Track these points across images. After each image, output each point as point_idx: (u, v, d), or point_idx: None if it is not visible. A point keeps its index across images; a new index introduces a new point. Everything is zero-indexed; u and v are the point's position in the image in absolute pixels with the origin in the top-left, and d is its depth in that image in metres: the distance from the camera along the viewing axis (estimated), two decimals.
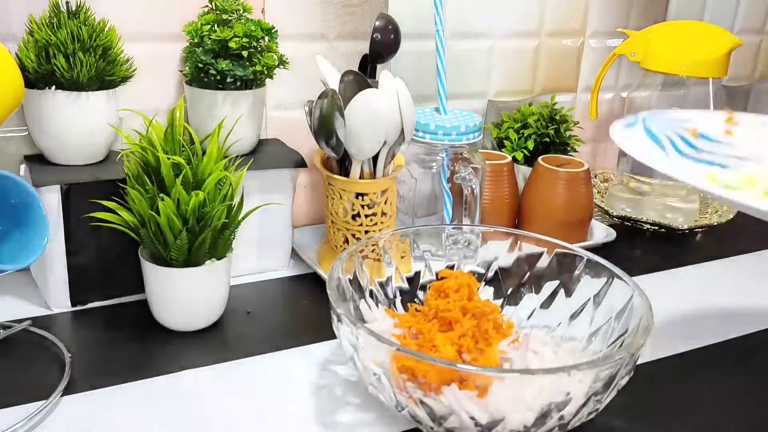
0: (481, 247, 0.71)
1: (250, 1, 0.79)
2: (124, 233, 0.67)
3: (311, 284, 0.81)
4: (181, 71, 0.82)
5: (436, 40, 0.83)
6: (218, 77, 0.75)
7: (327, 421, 0.58)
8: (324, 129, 0.72)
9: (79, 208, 0.69)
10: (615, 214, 1.01)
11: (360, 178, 0.76)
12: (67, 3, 0.70)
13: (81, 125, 0.71)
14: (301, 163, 0.81)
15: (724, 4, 1.25)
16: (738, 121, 0.66)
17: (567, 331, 0.64)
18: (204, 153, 0.68)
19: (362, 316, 0.63)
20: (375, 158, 0.76)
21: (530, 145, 1.01)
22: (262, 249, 0.83)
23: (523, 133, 1.02)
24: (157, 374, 0.63)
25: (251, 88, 0.78)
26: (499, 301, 0.69)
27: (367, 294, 0.66)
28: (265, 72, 0.77)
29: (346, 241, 0.78)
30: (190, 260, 0.67)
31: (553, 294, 0.67)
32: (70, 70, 0.69)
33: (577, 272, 0.65)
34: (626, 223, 1.01)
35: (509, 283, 0.66)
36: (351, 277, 0.64)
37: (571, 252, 0.66)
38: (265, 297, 0.79)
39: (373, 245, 0.67)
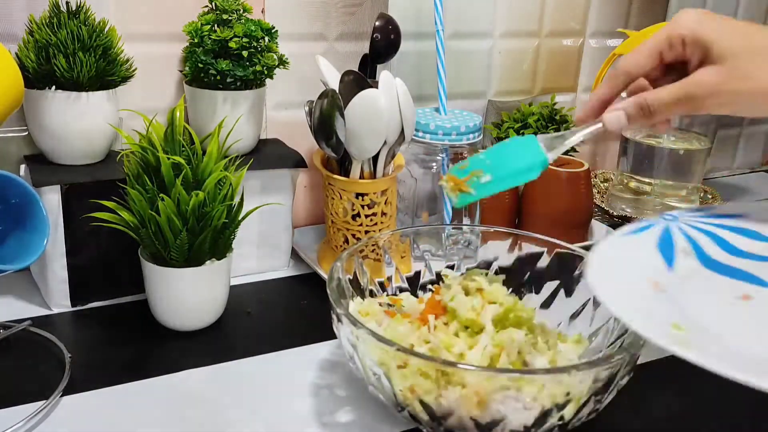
0: (481, 247, 0.71)
1: (250, 1, 0.79)
2: (124, 233, 0.67)
3: (311, 284, 0.81)
4: (181, 71, 0.82)
5: (436, 40, 0.84)
6: (218, 77, 0.75)
7: (327, 421, 0.58)
8: (324, 129, 0.72)
9: (79, 208, 0.69)
10: (615, 214, 1.01)
11: (360, 178, 0.76)
12: (67, 3, 0.70)
13: (81, 125, 0.71)
14: (301, 163, 0.81)
15: (724, 4, 1.25)
16: None
17: (567, 331, 0.64)
18: (204, 153, 0.68)
19: None
20: (375, 158, 0.76)
21: None
22: (262, 249, 0.83)
23: (523, 133, 1.02)
24: (157, 374, 0.63)
25: (251, 88, 0.78)
26: None
27: (367, 294, 0.66)
28: (265, 72, 0.77)
29: (346, 241, 0.78)
30: (190, 260, 0.67)
31: (553, 294, 0.67)
32: (70, 70, 0.69)
33: (577, 272, 0.65)
34: (626, 223, 1.01)
35: (509, 283, 0.66)
36: (351, 277, 0.64)
37: (571, 252, 0.66)
38: (265, 297, 0.79)
39: (373, 245, 0.67)
